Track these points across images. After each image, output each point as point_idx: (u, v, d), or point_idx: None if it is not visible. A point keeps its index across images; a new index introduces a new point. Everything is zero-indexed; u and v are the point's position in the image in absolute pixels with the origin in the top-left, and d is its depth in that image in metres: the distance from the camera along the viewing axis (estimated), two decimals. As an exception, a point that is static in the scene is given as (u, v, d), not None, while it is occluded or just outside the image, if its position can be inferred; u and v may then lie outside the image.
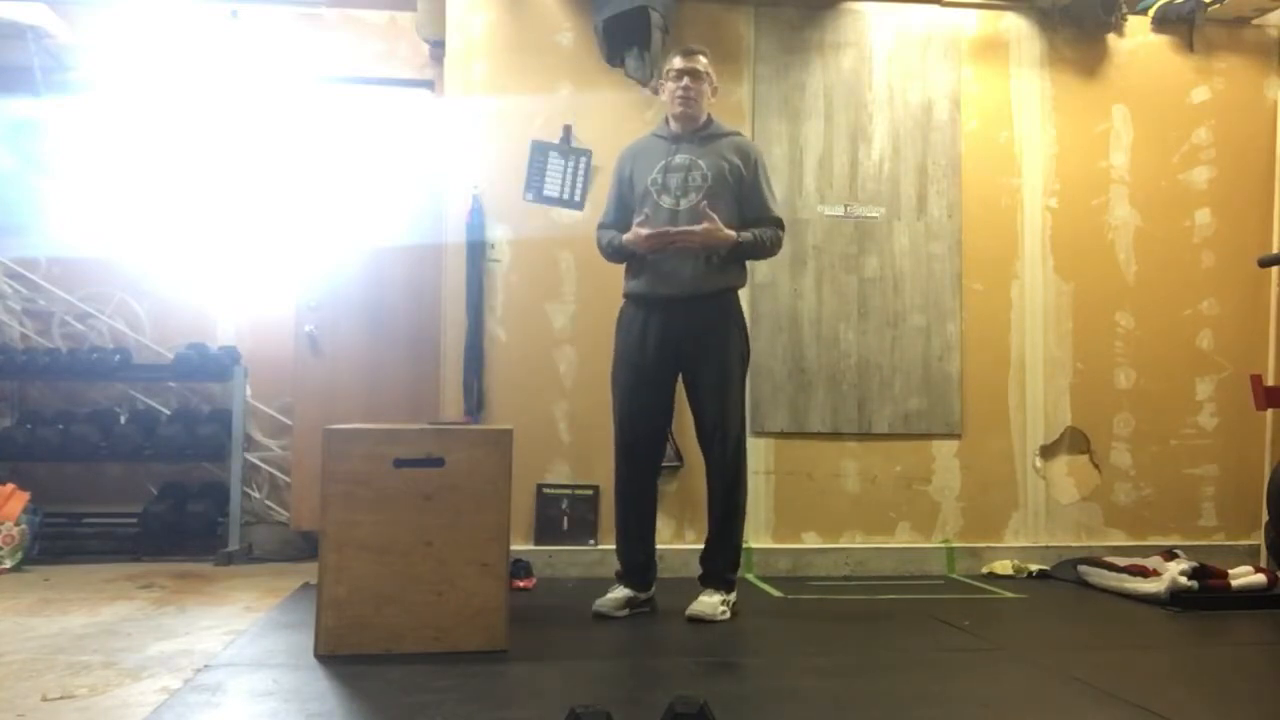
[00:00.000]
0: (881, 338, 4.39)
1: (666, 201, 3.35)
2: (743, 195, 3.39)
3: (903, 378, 4.39)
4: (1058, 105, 4.56)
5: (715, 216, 3.26)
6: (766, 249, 3.43)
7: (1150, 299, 4.56)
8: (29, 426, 4.75)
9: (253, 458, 5.05)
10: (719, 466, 3.38)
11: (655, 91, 4.10)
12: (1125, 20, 4.59)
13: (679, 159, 3.38)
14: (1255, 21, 4.67)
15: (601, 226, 3.53)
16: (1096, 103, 4.59)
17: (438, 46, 4.53)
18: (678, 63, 3.41)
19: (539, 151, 4.25)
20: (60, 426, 4.75)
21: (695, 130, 3.43)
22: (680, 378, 3.42)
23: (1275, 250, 4.48)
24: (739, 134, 3.56)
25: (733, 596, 3.40)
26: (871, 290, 4.40)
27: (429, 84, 4.82)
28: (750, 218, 3.40)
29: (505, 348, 4.21)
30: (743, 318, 3.47)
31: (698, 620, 3.27)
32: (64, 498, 4.82)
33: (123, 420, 4.91)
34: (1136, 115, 4.60)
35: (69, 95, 4.89)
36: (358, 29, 5.01)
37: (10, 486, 4.39)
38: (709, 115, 3.48)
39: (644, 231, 3.26)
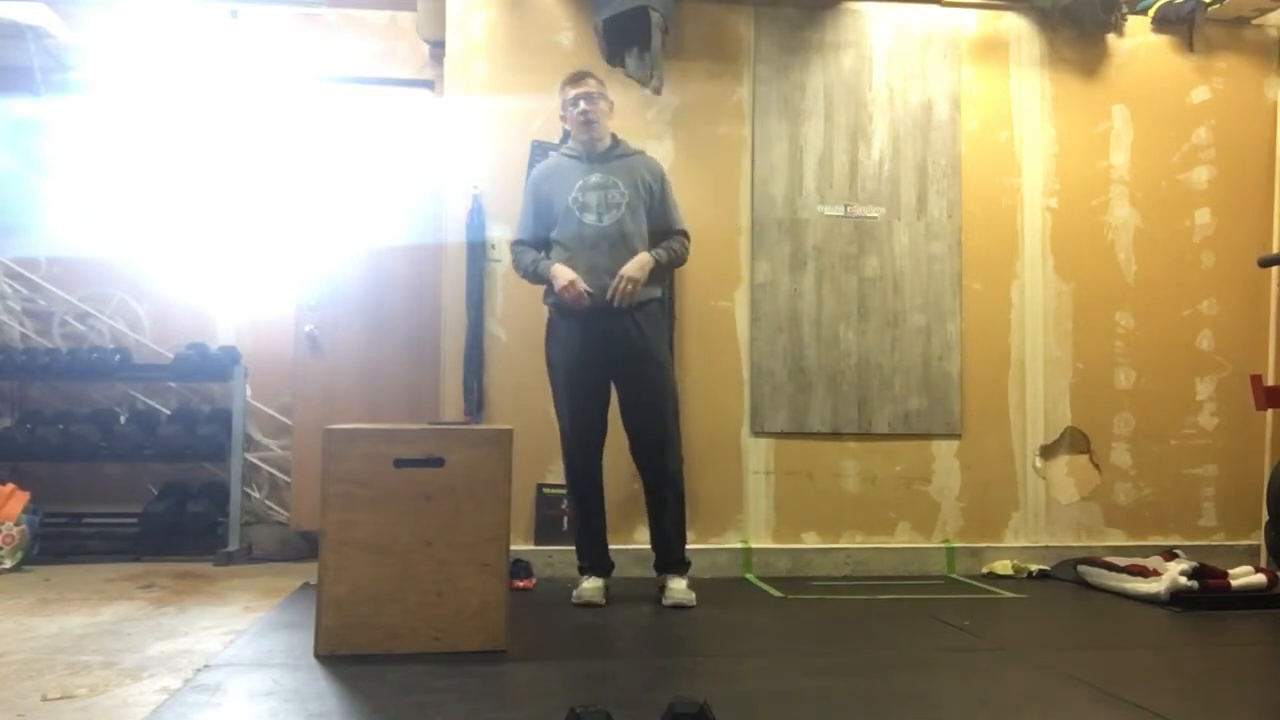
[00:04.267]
0: (881, 338, 4.39)
1: (590, 219, 3.56)
2: (654, 211, 3.64)
3: (903, 378, 4.39)
4: (1058, 105, 4.56)
5: (632, 277, 3.46)
6: (678, 259, 3.69)
7: (1150, 299, 4.56)
8: (29, 426, 4.75)
9: (253, 458, 5.05)
10: (661, 468, 3.61)
11: (656, 91, 4.12)
12: (1125, 20, 4.59)
13: (595, 178, 3.60)
14: (1255, 21, 4.67)
15: (519, 243, 3.69)
16: (1096, 103, 4.59)
17: (438, 46, 4.53)
18: (570, 91, 3.62)
19: (539, 151, 4.24)
20: (60, 426, 4.74)
21: (605, 150, 3.65)
22: (613, 386, 3.63)
23: (1275, 250, 4.49)
24: (643, 153, 3.80)
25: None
26: (871, 290, 4.40)
27: (429, 84, 4.82)
28: (660, 230, 3.64)
29: (505, 348, 4.21)
30: (664, 327, 3.70)
31: (680, 607, 3.46)
32: (64, 498, 4.82)
33: (123, 420, 4.91)
34: (1136, 115, 4.60)
35: (69, 95, 4.89)
36: (358, 29, 5.02)
37: (10, 486, 4.39)
38: (613, 136, 3.70)
39: (582, 288, 3.45)
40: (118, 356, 4.85)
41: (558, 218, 3.58)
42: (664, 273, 3.68)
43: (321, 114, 4.92)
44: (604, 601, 3.50)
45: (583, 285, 3.46)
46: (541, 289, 3.67)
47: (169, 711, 2.24)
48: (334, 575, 2.76)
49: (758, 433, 4.31)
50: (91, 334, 5.10)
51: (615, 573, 3.69)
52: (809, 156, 4.41)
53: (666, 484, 3.63)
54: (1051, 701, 2.45)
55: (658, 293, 3.65)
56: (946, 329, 4.43)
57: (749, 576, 4.19)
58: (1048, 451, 4.48)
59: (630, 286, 3.46)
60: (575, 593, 3.53)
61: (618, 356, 3.55)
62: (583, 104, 3.57)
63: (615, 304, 3.46)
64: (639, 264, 3.49)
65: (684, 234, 3.69)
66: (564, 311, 3.57)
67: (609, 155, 3.63)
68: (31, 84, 4.69)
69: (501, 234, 4.22)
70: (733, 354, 4.30)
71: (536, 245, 3.64)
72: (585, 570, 3.62)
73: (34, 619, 3.26)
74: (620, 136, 3.73)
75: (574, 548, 3.70)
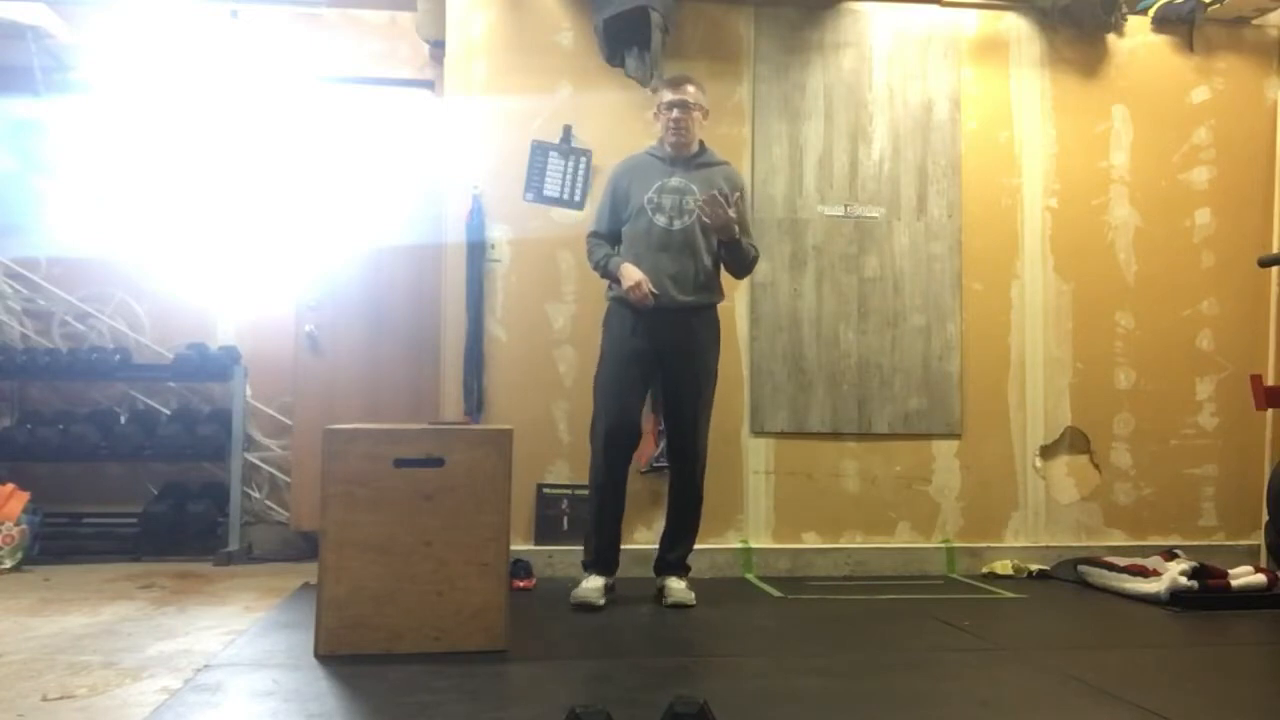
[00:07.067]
0: (881, 338, 4.39)
1: (660, 221, 3.57)
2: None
3: (903, 378, 4.39)
4: (1058, 105, 4.56)
5: (725, 206, 3.46)
6: (750, 260, 3.71)
7: (1150, 299, 4.56)
8: (29, 426, 4.75)
9: (253, 458, 5.05)
10: (689, 473, 3.66)
11: (655, 91, 4.11)
12: (1125, 20, 4.59)
13: (674, 181, 3.61)
14: (1255, 21, 4.67)
15: (595, 234, 3.72)
16: (1096, 103, 4.58)
17: (438, 46, 4.53)
18: (667, 95, 3.64)
19: (539, 151, 4.25)
20: (60, 426, 4.74)
21: (690, 156, 3.66)
22: (659, 382, 3.67)
23: (1275, 250, 4.48)
24: (728, 163, 3.81)
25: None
26: (871, 290, 4.40)
27: (429, 84, 4.82)
28: None
29: (505, 348, 4.21)
30: (720, 333, 3.72)
31: (680, 607, 3.49)
32: (64, 498, 4.82)
33: (123, 420, 4.91)
34: (1136, 115, 4.59)
35: (69, 95, 4.89)
36: (358, 29, 5.02)
37: (10, 486, 4.39)
38: (701, 143, 3.72)
39: (648, 289, 3.47)
40: (118, 356, 4.85)
41: (632, 214, 3.60)
42: (736, 259, 3.64)
43: (321, 114, 4.92)
44: (603, 602, 3.47)
45: (649, 287, 3.47)
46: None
47: (169, 711, 2.24)
48: (334, 575, 2.76)
49: (758, 433, 4.31)
50: (91, 334, 5.10)
51: (615, 572, 3.65)
52: (809, 156, 4.41)
53: (690, 488, 3.66)
54: (1051, 701, 2.45)
55: (718, 299, 3.68)
56: (946, 329, 4.43)
57: (749, 576, 4.19)
58: (1048, 451, 4.48)
59: (721, 210, 3.43)
60: (574, 592, 3.48)
61: (669, 356, 3.58)
62: (676, 112, 3.59)
63: (705, 214, 3.45)
64: (730, 218, 3.47)
65: (756, 250, 3.72)
66: (624, 305, 3.58)
67: (692, 162, 3.65)
68: (31, 84, 4.69)
69: (501, 234, 4.22)
70: (733, 354, 4.29)
71: (611, 239, 3.67)
72: (589, 565, 3.58)
73: (34, 619, 3.26)
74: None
75: (580, 544, 3.67)
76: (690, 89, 3.63)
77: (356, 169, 4.81)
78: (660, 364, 3.60)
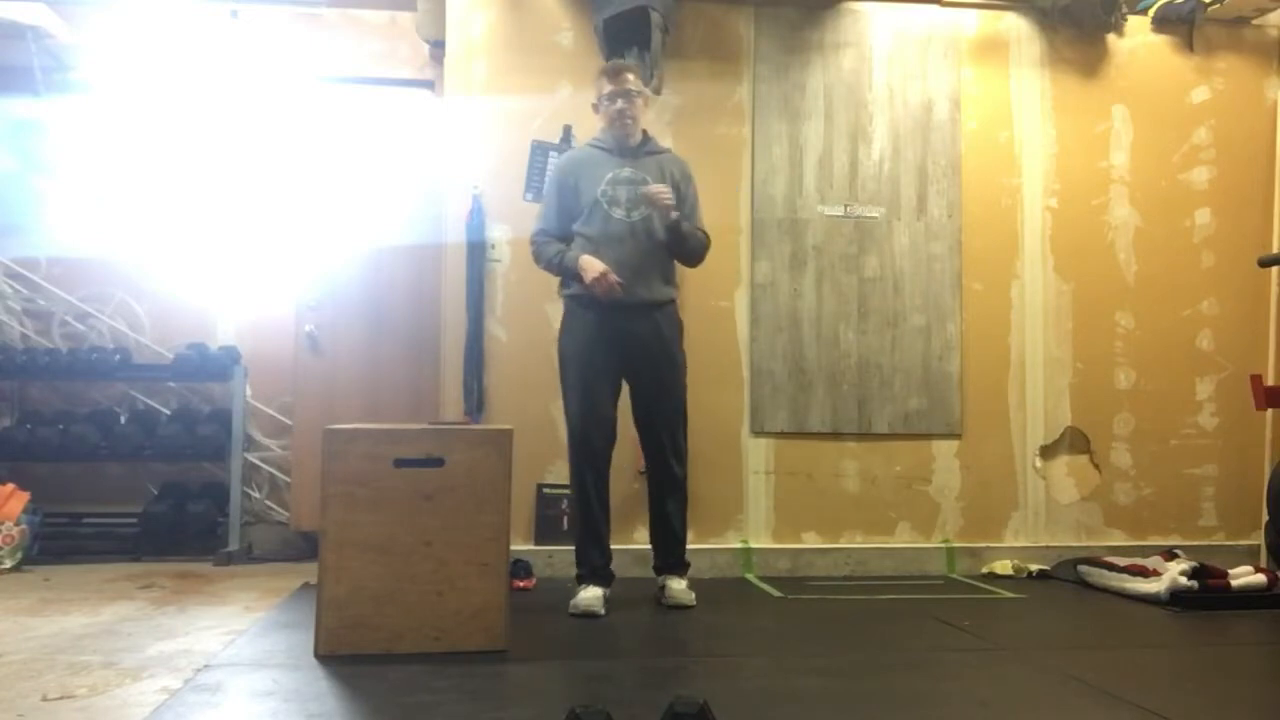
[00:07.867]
0: (881, 338, 4.39)
1: (618, 214, 3.51)
2: (680, 210, 3.54)
3: (903, 377, 4.39)
4: (1058, 105, 4.56)
5: (667, 193, 3.45)
6: (697, 246, 3.63)
7: (1150, 299, 4.56)
8: (29, 426, 4.75)
9: (253, 458, 5.05)
10: (667, 470, 3.58)
11: (656, 92, 4.12)
12: (1125, 20, 4.59)
13: (626, 172, 3.56)
14: (1255, 21, 4.67)
15: (542, 233, 3.62)
16: (1096, 103, 4.59)
17: (438, 46, 4.53)
18: (608, 86, 3.57)
19: (539, 151, 4.25)
20: (60, 426, 4.74)
21: (636, 145, 3.61)
22: (626, 383, 3.60)
23: (1275, 250, 4.49)
24: (670, 150, 3.77)
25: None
26: (871, 290, 4.40)
27: (429, 84, 4.82)
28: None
29: (505, 348, 4.21)
30: (681, 327, 3.65)
31: (680, 607, 3.46)
32: (64, 498, 4.82)
33: (123, 420, 4.91)
34: (1136, 115, 4.60)
35: (69, 95, 4.89)
36: (358, 29, 5.02)
37: (10, 486, 4.39)
38: (644, 131, 3.66)
39: (614, 279, 3.39)
40: (118, 356, 4.86)
41: (584, 210, 3.51)
42: (679, 245, 3.56)
43: (321, 114, 4.92)
44: (603, 611, 3.35)
45: (614, 276, 3.38)
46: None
47: (169, 711, 2.24)
48: (334, 575, 2.76)
49: (758, 433, 4.31)
50: (91, 334, 5.10)
51: (613, 571, 3.58)
52: (809, 156, 4.41)
53: (672, 484, 3.59)
54: (1051, 701, 2.45)
55: (674, 293, 3.61)
56: (946, 329, 4.43)
57: (749, 576, 4.19)
58: (1048, 451, 4.48)
59: (667, 198, 3.42)
60: (572, 602, 3.38)
61: (636, 353, 3.50)
62: (620, 102, 3.53)
63: (658, 210, 3.43)
64: (669, 200, 3.43)
65: (707, 235, 3.66)
66: (584, 303, 3.50)
67: (640, 151, 3.59)
68: (31, 84, 4.69)
69: (501, 234, 4.22)
70: (733, 354, 4.30)
71: (560, 238, 3.57)
72: (584, 579, 3.47)
73: (34, 619, 3.26)
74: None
75: (574, 552, 3.57)
76: (630, 77, 3.58)
77: (356, 169, 4.81)
78: (627, 361, 3.52)
